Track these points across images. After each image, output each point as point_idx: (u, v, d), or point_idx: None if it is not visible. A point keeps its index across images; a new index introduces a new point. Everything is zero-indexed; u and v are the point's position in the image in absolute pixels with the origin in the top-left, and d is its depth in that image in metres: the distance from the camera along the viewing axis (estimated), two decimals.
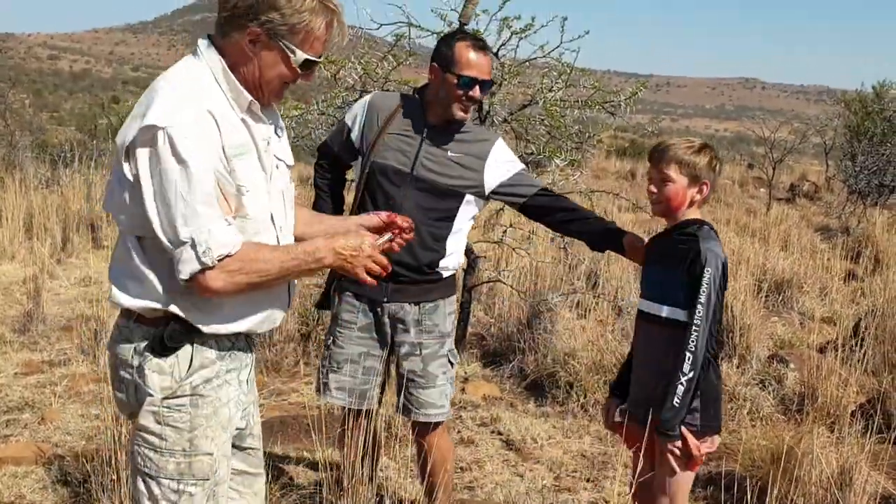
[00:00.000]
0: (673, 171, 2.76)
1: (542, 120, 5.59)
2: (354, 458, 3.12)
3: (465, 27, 4.72)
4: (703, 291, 2.64)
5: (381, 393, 3.37)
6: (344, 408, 3.31)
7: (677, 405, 2.65)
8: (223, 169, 2.00)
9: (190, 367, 2.11)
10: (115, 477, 3.19)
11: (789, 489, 3.42)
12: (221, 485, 2.21)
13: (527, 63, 5.59)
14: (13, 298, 7.01)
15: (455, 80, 3.05)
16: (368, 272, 2.20)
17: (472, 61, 3.06)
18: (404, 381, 3.26)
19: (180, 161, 1.92)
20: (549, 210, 3.24)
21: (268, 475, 3.27)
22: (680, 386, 2.64)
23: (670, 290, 2.75)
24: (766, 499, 3.12)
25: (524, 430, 4.76)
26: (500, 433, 4.79)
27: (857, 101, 19.08)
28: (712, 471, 4.29)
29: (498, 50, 5.46)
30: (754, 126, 21.10)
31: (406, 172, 3.14)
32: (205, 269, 1.94)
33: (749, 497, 3.08)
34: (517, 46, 5.44)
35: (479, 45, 3.14)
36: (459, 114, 3.11)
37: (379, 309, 3.23)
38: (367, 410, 3.28)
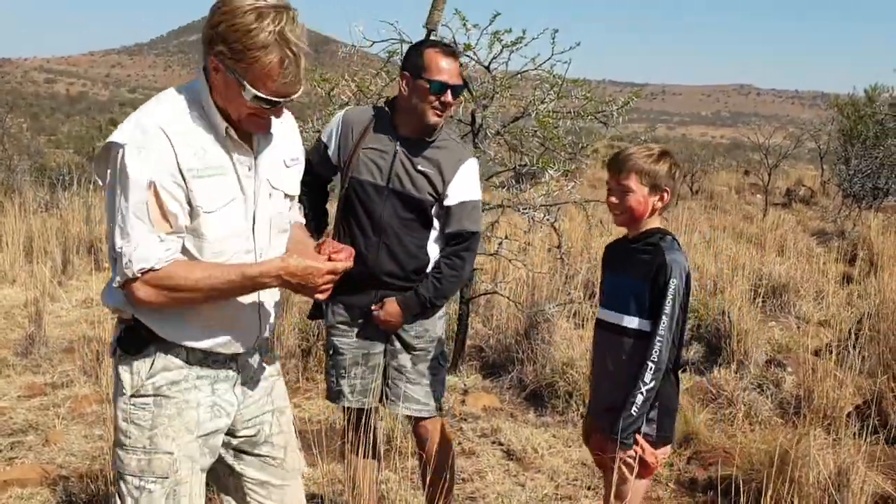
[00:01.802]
0: (633, 182, 2.74)
1: (535, 132, 5.65)
2: (356, 466, 3.22)
3: (433, 33, 4.78)
4: (668, 303, 2.64)
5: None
6: (346, 418, 3.40)
7: (635, 414, 2.66)
8: (173, 186, 2.06)
9: (152, 367, 2.19)
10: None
11: (786, 491, 3.45)
12: (182, 485, 2.25)
13: (518, 76, 5.66)
14: (15, 322, 7.04)
15: (427, 86, 3.13)
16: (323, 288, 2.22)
17: (443, 67, 3.15)
18: (392, 373, 3.35)
19: (124, 176, 2.02)
20: (447, 245, 3.31)
21: None
22: (640, 395, 2.65)
23: (631, 300, 2.74)
24: (762, 501, 3.16)
25: (524, 440, 4.80)
26: (500, 443, 4.82)
27: (850, 105, 19.17)
28: (711, 475, 4.31)
29: (489, 63, 5.53)
30: (750, 132, 21.17)
31: (382, 186, 3.24)
32: (128, 280, 2.03)
33: (746, 500, 3.10)
34: (508, 59, 5.51)
35: (448, 50, 3.23)
36: (434, 118, 3.19)
37: (371, 314, 3.31)
38: (369, 412, 3.38)
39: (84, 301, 7.83)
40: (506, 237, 6.39)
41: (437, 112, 3.18)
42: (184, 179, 2.07)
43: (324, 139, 3.38)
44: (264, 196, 2.26)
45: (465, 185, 3.25)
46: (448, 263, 3.28)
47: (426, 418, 3.40)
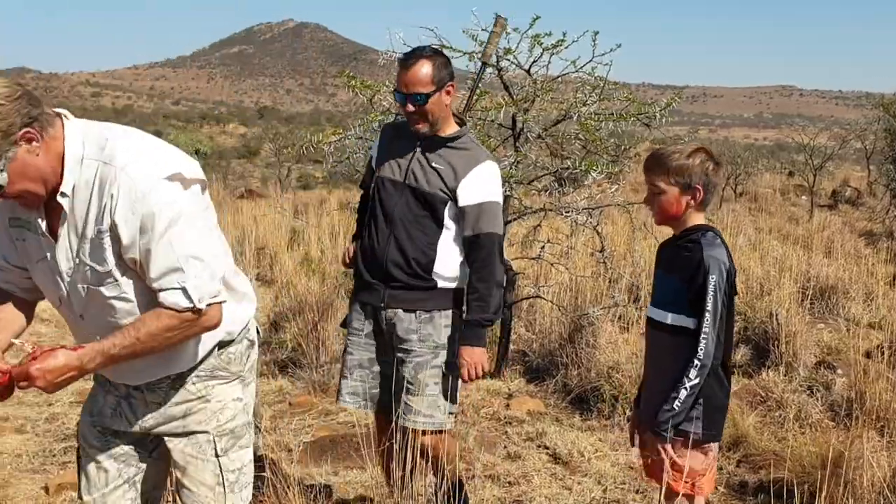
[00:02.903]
0: (662, 182, 2.74)
1: (577, 135, 5.63)
2: (387, 467, 3.25)
3: (486, 66, 4.75)
4: (710, 299, 2.63)
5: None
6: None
7: (676, 408, 2.65)
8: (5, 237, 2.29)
9: None
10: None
11: (841, 494, 3.39)
12: (87, 449, 2.53)
13: (559, 79, 5.65)
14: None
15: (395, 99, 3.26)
16: None
17: (400, 77, 3.24)
18: (398, 385, 3.35)
19: None
20: (469, 255, 3.32)
21: (319, 493, 3.34)
22: (683, 390, 2.65)
23: (675, 297, 2.75)
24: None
25: (570, 443, 4.77)
26: (546, 447, 4.80)
27: None
28: (762, 479, 4.27)
29: (530, 67, 5.53)
30: (794, 133, 20.90)
31: (399, 182, 3.33)
32: None
33: (800, 503, 3.05)
34: (549, 63, 5.51)
35: (406, 58, 3.25)
36: (414, 128, 3.27)
37: (380, 315, 3.37)
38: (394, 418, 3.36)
39: None
40: (548, 241, 6.38)
41: (413, 122, 3.25)
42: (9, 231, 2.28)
43: (371, 153, 3.53)
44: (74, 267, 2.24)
45: (479, 186, 3.26)
46: (477, 277, 3.29)
47: (428, 431, 3.35)
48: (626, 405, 5.14)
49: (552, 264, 6.77)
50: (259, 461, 4.40)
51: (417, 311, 3.32)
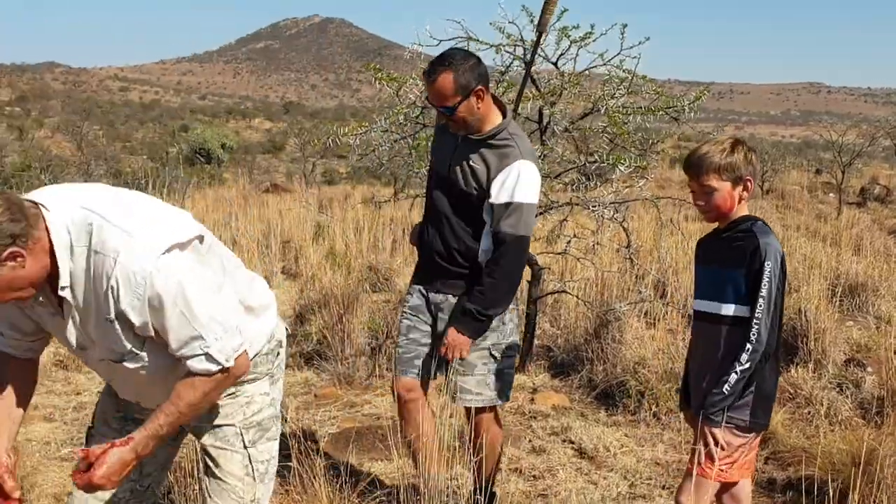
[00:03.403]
0: (714, 181, 2.74)
1: (605, 128, 5.59)
2: (417, 439, 3.40)
3: (543, 35, 4.70)
4: (765, 285, 2.63)
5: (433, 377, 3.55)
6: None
7: (726, 392, 2.65)
8: None
9: None
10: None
11: (872, 492, 3.34)
12: (100, 429, 2.54)
13: (586, 72, 5.61)
14: None
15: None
16: None
17: (427, 91, 3.32)
18: (449, 366, 3.44)
19: None
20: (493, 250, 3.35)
21: (345, 483, 3.35)
22: (734, 374, 2.64)
23: (729, 288, 2.74)
24: (850, 501, 3.07)
25: (596, 438, 4.74)
26: (571, 442, 4.78)
27: None
28: (791, 476, 4.22)
29: (557, 60, 5.49)
30: (822, 130, 20.67)
31: (444, 175, 3.42)
32: None
33: (831, 500, 3.01)
34: (576, 55, 5.47)
35: (429, 71, 3.26)
36: (453, 131, 3.38)
37: (430, 297, 3.50)
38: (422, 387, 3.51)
39: None
40: (574, 236, 6.34)
41: (451, 126, 3.36)
42: None
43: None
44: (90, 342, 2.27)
45: (508, 186, 3.25)
46: (487, 272, 3.31)
47: (480, 409, 3.48)
48: (651, 401, 5.11)
49: (578, 259, 6.74)
50: (285, 451, 4.43)
51: (465, 297, 3.39)
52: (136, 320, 2.09)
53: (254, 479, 2.44)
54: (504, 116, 3.38)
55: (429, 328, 3.51)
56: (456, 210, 3.38)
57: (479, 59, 3.31)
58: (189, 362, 2.15)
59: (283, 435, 4.60)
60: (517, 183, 3.25)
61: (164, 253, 2.06)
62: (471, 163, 3.32)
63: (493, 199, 3.28)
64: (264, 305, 2.49)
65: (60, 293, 2.08)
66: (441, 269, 3.44)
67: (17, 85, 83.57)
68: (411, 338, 3.52)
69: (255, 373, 2.45)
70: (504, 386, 3.51)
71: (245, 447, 2.44)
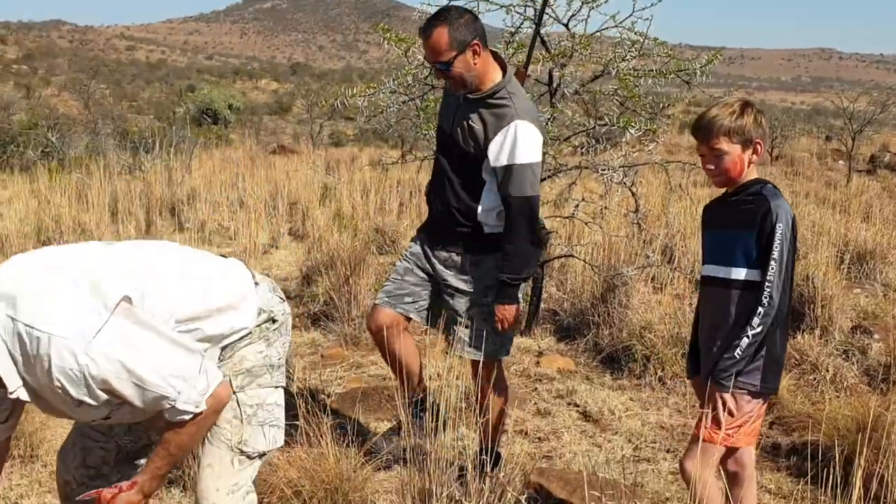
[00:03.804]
0: (724, 144, 2.70)
1: (616, 90, 5.53)
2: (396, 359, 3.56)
3: None
4: (776, 248, 2.61)
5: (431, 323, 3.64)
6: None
7: (738, 356, 2.63)
8: None
9: None
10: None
11: (877, 458, 3.35)
12: None
13: (598, 34, 5.54)
14: None
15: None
16: None
17: (424, 48, 3.33)
18: (450, 317, 3.55)
19: None
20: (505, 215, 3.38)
21: (352, 442, 3.37)
22: (745, 338, 2.62)
23: (738, 252, 2.71)
24: (852, 468, 3.08)
25: (601, 402, 4.76)
26: (576, 405, 4.80)
27: None
28: (795, 441, 4.24)
29: (568, 21, 5.43)
30: (833, 96, 20.46)
31: (448, 133, 3.46)
32: None
33: (836, 466, 3.02)
34: (588, 17, 5.40)
35: (424, 27, 3.29)
36: (453, 90, 3.41)
37: (434, 251, 3.55)
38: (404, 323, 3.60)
39: None
40: (582, 199, 6.31)
41: (450, 85, 3.39)
42: None
43: None
44: None
45: (507, 148, 3.26)
46: (506, 239, 3.36)
47: (481, 364, 3.55)
48: (657, 365, 5.12)
49: (586, 223, 6.72)
50: (292, 411, 4.45)
51: (469, 254, 3.45)
52: (96, 401, 2.09)
53: (241, 421, 2.45)
54: (504, 74, 3.37)
55: (425, 277, 3.57)
56: (456, 169, 3.43)
57: (475, 16, 3.32)
58: (164, 415, 2.19)
59: (290, 394, 4.62)
60: (515, 144, 3.25)
61: (92, 339, 2.01)
62: (470, 122, 3.34)
63: (493, 163, 3.29)
64: (242, 296, 2.44)
65: (10, 397, 2.07)
66: (443, 227, 3.49)
67: (24, 43, 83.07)
68: (406, 279, 3.58)
69: (248, 339, 2.45)
70: (504, 341, 3.56)
71: (233, 392, 2.44)
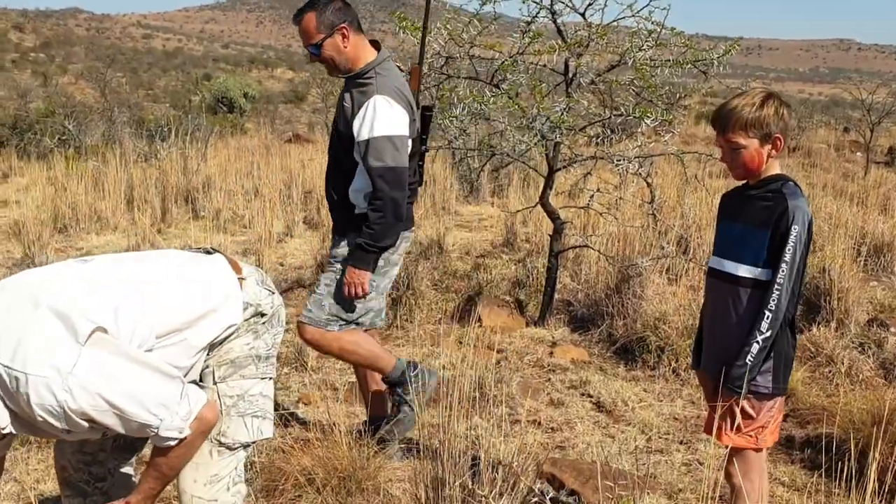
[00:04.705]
0: (741, 138, 2.60)
1: (632, 81, 5.50)
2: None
3: None
4: (789, 250, 2.53)
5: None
6: None
7: (749, 363, 2.57)
8: None
9: None
10: None
11: (892, 451, 3.33)
12: None
13: (615, 23, 5.51)
14: None
15: None
16: None
17: (299, 35, 3.51)
18: None
19: None
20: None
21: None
22: (755, 344, 2.57)
23: (751, 249, 2.63)
24: (867, 461, 3.06)
25: (614, 392, 4.76)
26: (589, 395, 4.79)
27: None
28: (809, 433, 4.22)
29: (584, 10, 5.40)
30: (851, 88, 20.27)
31: (333, 120, 3.66)
32: None
33: (850, 459, 3.01)
34: (605, 6, 5.37)
35: (295, 14, 3.49)
36: (330, 75, 3.61)
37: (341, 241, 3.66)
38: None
39: (183, 248, 8.05)
40: (597, 190, 6.29)
41: (326, 70, 3.57)
42: None
43: None
44: None
45: (367, 123, 3.39)
46: (371, 207, 3.44)
47: (305, 324, 3.62)
48: (671, 357, 5.11)
49: (601, 214, 6.70)
50: (306, 400, 4.48)
51: (348, 234, 3.57)
52: (82, 430, 2.10)
53: (220, 412, 2.44)
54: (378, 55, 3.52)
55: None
56: (338, 151, 3.57)
57: (346, 3, 3.48)
58: (152, 441, 2.22)
59: (303, 384, 4.65)
60: (374, 118, 3.37)
61: (68, 374, 2.00)
62: (343, 102, 3.50)
63: (357, 138, 3.41)
64: (225, 295, 2.43)
65: (3, 433, 2.07)
66: (335, 213, 3.66)
67: (41, 31, 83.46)
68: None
69: (236, 333, 2.46)
70: (340, 313, 3.58)
71: (214, 382, 2.46)
